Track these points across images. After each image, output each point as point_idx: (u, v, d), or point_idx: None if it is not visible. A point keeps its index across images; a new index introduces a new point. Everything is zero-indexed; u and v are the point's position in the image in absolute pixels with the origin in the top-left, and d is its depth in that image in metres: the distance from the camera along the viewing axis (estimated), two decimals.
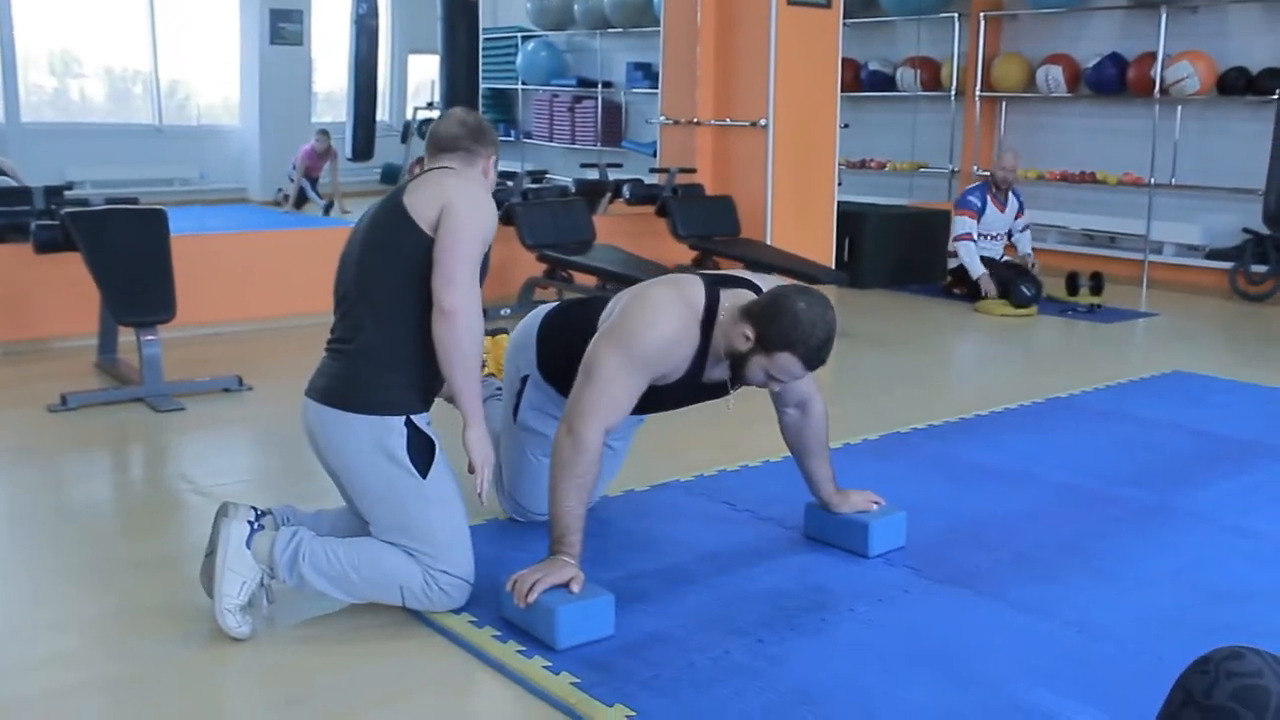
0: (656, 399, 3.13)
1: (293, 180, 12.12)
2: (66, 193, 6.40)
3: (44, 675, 2.68)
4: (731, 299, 3.03)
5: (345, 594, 2.90)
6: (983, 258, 7.96)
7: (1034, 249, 8.30)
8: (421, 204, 2.90)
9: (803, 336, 2.88)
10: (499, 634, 2.83)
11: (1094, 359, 6.39)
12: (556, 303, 3.48)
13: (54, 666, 2.72)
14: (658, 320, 2.97)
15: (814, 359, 2.93)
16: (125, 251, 5.16)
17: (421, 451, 2.90)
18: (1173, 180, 8.88)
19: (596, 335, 3.03)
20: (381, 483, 2.89)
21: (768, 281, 3.16)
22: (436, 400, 3.05)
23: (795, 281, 3.22)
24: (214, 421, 4.88)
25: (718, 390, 3.16)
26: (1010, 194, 8.20)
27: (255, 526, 2.90)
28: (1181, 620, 3.01)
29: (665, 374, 3.03)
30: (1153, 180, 8.86)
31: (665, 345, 2.97)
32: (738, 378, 3.05)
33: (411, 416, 2.91)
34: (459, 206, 2.88)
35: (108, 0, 13.11)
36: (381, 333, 2.91)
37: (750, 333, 2.93)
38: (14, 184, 7.70)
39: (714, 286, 3.06)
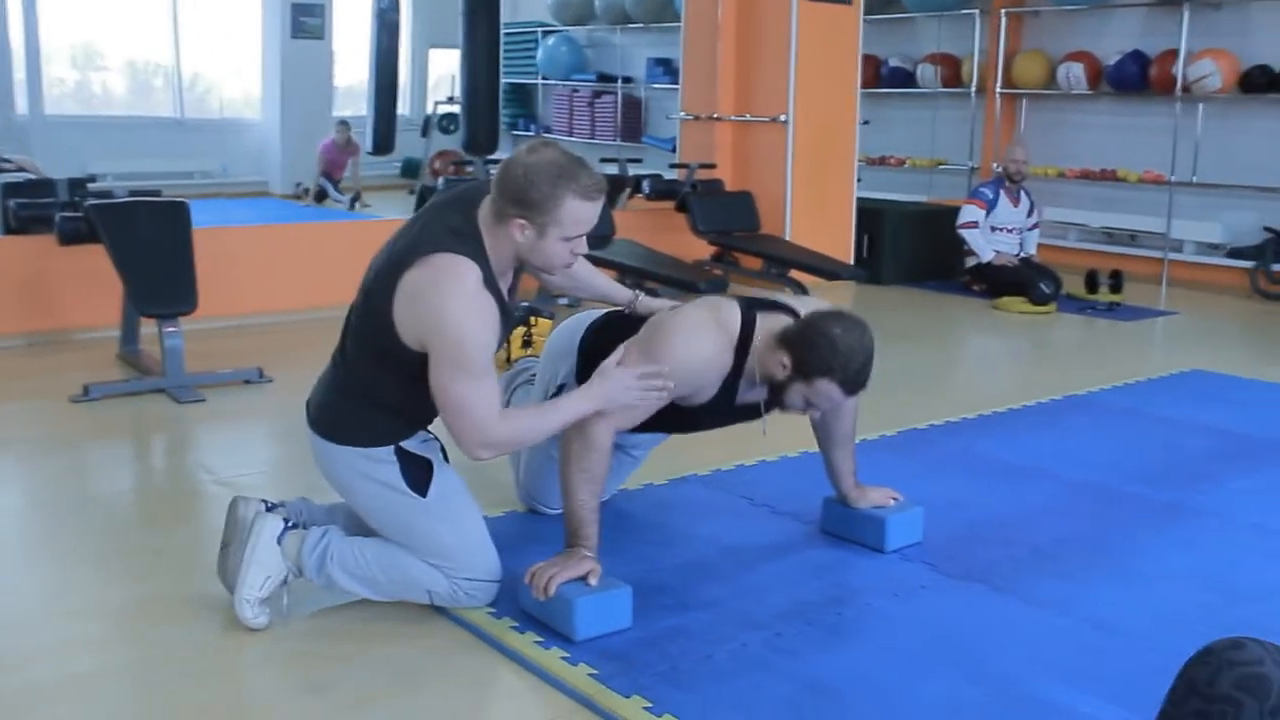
0: (688, 419, 3.12)
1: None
2: (90, 185, 6.43)
3: (66, 661, 2.71)
4: (767, 323, 3.00)
5: (373, 593, 2.92)
6: (998, 253, 7.96)
7: (1055, 246, 8.26)
8: (407, 310, 2.68)
9: (841, 362, 2.85)
10: (517, 625, 2.84)
11: (1113, 357, 6.37)
12: (602, 312, 3.42)
13: (75, 652, 2.75)
14: (689, 340, 2.94)
15: (853, 384, 2.91)
16: (148, 243, 5.18)
17: (417, 472, 2.88)
18: (1194, 178, 8.85)
19: (628, 341, 3.01)
20: (382, 506, 2.89)
21: (804, 304, 3.13)
22: None
23: (830, 305, 3.15)
24: (234, 413, 4.91)
25: (752, 412, 3.12)
26: (1022, 191, 8.20)
27: (288, 525, 2.92)
28: (1200, 617, 3.01)
29: (691, 395, 3.01)
30: (1173, 178, 8.82)
31: (694, 365, 2.94)
32: (775, 404, 3.03)
33: (401, 444, 2.88)
34: (438, 353, 2.65)
35: None
36: (360, 371, 2.86)
37: (787, 360, 2.90)
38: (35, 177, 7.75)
39: (750, 309, 3.03)
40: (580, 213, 2.70)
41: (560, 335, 3.45)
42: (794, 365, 2.89)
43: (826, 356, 2.85)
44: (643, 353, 2.94)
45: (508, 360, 3.78)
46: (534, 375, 3.68)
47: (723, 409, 3.10)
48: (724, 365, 2.98)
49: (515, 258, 2.79)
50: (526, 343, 3.78)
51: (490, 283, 2.72)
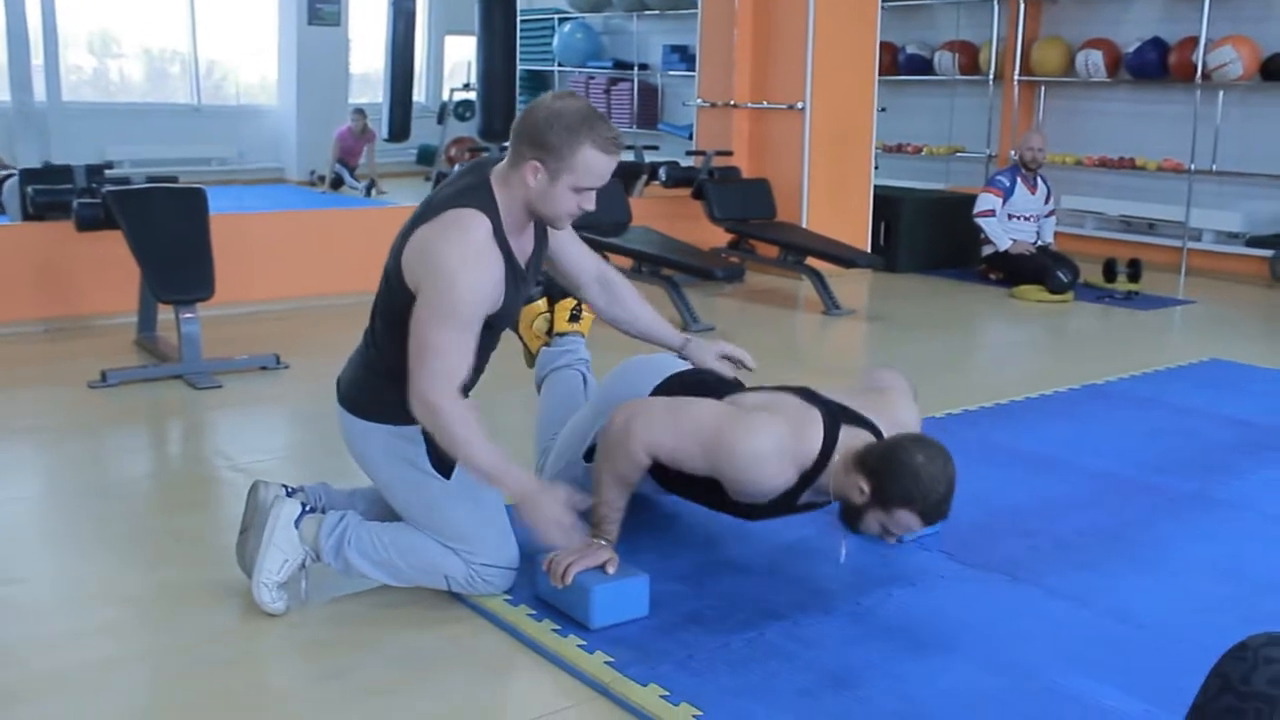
0: (739, 509, 3.00)
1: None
2: (107, 171, 6.44)
3: (85, 647, 2.71)
4: (849, 440, 2.86)
5: (391, 579, 2.92)
6: (1015, 241, 7.93)
7: (1073, 234, 8.22)
8: (411, 259, 2.71)
9: (923, 493, 2.70)
10: (534, 612, 2.84)
11: (1131, 346, 6.34)
12: (672, 371, 3.26)
13: (95, 638, 2.76)
14: (755, 456, 2.79)
15: (934, 515, 2.77)
16: (165, 230, 5.19)
17: (443, 454, 2.85)
18: (1213, 166, 8.79)
19: (710, 401, 2.93)
20: (406, 486, 2.89)
21: (883, 409, 3.03)
22: None
23: (912, 418, 3.10)
24: (251, 399, 4.91)
25: (811, 508, 3.02)
26: (1039, 179, 8.16)
27: (306, 509, 2.92)
28: (1221, 608, 2.99)
29: (743, 495, 2.92)
30: (1193, 166, 8.76)
31: (749, 480, 2.83)
32: (848, 524, 2.90)
33: None
34: (425, 294, 2.65)
35: None
36: (390, 350, 2.83)
37: (866, 486, 2.75)
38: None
39: (835, 426, 2.87)
40: (595, 164, 2.69)
41: (621, 384, 3.28)
42: (873, 492, 2.75)
43: (909, 487, 2.70)
44: (712, 430, 2.82)
45: (549, 333, 3.72)
46: (579, 360, 3.63)
47: (778, 510, 2.99)
48: (784, 484, 2.86)
49: (527, 208, 2.77)
50: (574, 317, 3.70)
51: (500, 237, 2.72)
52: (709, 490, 2.97)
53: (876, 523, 2.79)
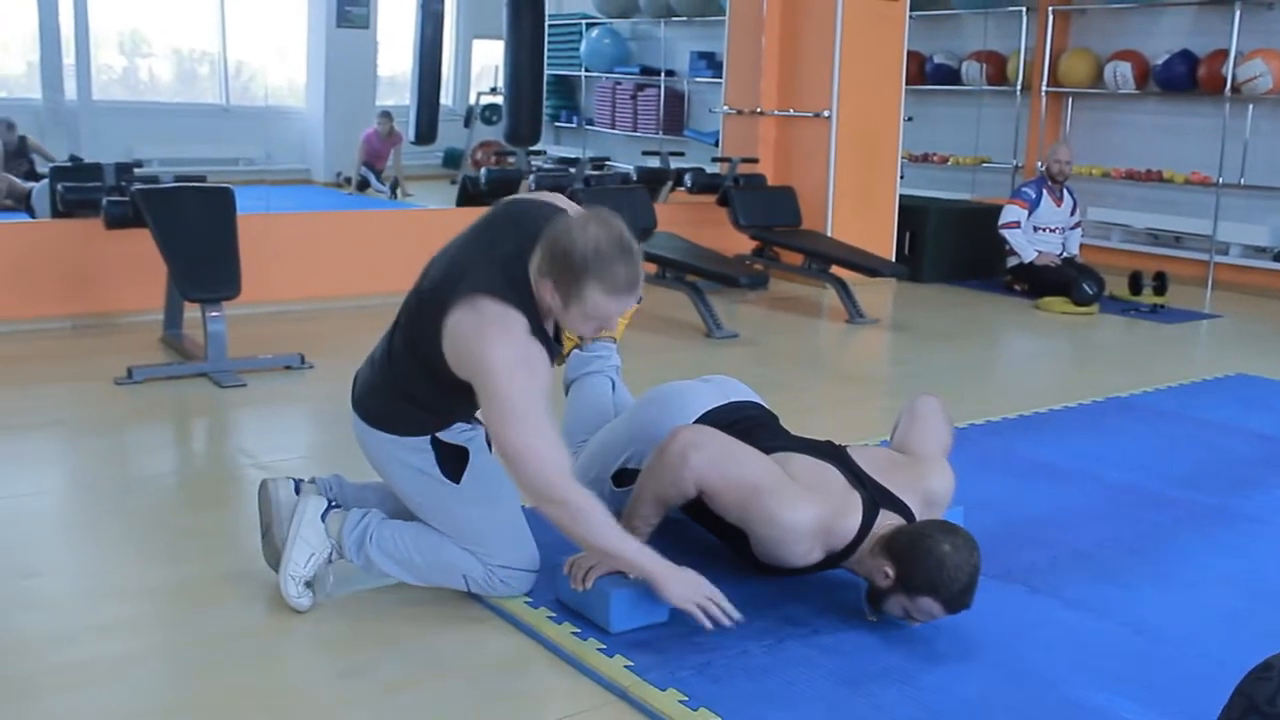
0: (758, 565, 3.02)
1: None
2: (136, 170, 6.48)
3: (106, 641, 2.73)
4: (880, 524, 2.88)
5: (411, 576, 2.93)
6: (1041, 253, 7.91)
7: (1099, 246, 8.17)
8: (451, 351, 2.67)
9: (947, 581, 2.71)
10: (554, 615, 2.85)
11: (1156, 359, 6.32)
12: (717, 404, 3.27)
13: (116, 633, 2.77)
14: (789, 533, 2.82)
15: (957, 604, 2.78)
16: (193, 228, 5.23)
17: (452, 461, 2.88)
18: (1241, 180, 8.75)
19: (764, 457, 2.92)
20: (419, 491, 2.91)
21: (916, 480, 3.03)
22: None
23: (942, 498, 3.10)
24: (275, 398, 4.94)
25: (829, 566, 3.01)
26: (1066, 191, 8.14)
27: (332, 504, 2.94)
28: (1242, 623, 2.98)
29: (765, 556, 2.94)
30: (1221, 180, 8.72)
31: (780, 548, 2.86)
32: (872, 603, 2.90)
33: (437, 435, 2.88)
34: (487, 400, 2.63)
35: None
36: (405, 371, 2.84)
37: (891, 571, 2.76)
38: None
39: (873, 512, 2.88)
40: (601, 306, 2.63)
41: (659, 412, 3.28)
42: (898, 578, 2.77)
43: (932, 575, 2.71)
44: (756, 492, 2.83)
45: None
46: (610, 366, 3.63)
47: (793, 574, 3.01)
48: (809, 561, 2.90)
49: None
50: None
51: (538, 331, 2.68)
52: (735, 536, 2.98)
53: (900, 607, 2.81)
